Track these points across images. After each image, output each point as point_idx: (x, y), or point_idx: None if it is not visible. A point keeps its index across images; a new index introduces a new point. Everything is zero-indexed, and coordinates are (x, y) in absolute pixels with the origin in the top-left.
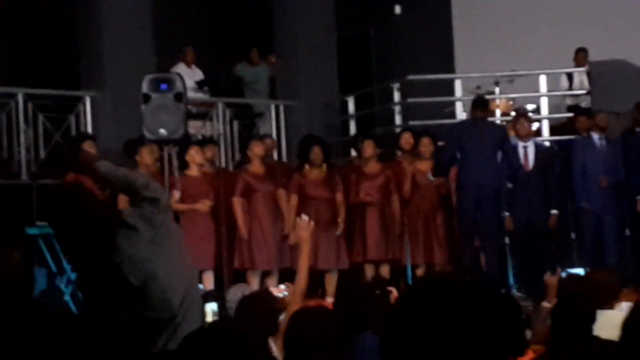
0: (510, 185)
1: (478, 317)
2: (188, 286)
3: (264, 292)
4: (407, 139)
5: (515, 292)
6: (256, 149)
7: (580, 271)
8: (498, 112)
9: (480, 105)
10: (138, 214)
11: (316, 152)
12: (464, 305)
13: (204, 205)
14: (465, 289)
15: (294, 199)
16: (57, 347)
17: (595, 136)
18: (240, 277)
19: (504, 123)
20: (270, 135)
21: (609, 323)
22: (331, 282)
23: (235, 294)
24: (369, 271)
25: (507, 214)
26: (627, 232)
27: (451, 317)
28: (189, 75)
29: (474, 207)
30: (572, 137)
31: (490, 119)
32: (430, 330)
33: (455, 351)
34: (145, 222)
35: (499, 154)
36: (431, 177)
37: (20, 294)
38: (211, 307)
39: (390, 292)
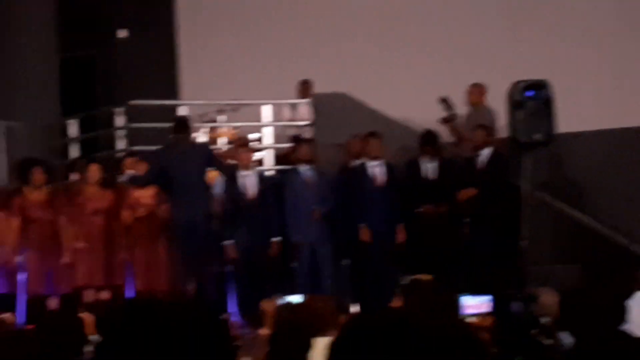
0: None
1: (194, 338)
2: None
3: None
4: (130, 164)
5: (236, 319)
6: None
7: (298, 298)
8: (223, 140)
9: (180, 126)
10: None
11: (37, 173)
12: (180, 325)
13: None
14: (179, 311)
15: (17, 221)
16: None
17: (303, 168)
18: None
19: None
20: None
21: (324, 351)
22: (53, 306)
23: None
24: (89, 296)
25: (230, 241)
26: (347, 261)
27: (168, 337)
28: None
29: (187, 233)
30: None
31: (213, 147)
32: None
33: None
34: None
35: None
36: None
37: None
38: None
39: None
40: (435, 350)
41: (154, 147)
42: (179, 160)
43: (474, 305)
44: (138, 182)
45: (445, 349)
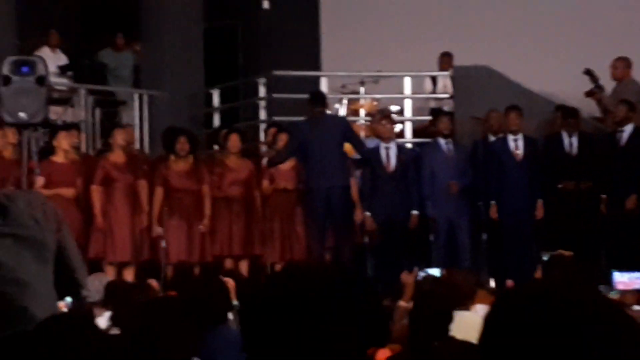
0: (358, 174)
1: (342, 304)
2: (18, 292)
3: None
4: (272, 135)
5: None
6: (119, 138)
7: (436, 272)
8: (362, 112)
9: (318, 100)
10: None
11: (182, 143)
12: (327, 292)
13: (68, 191)
14: (327, 277)
15: (160, 190)
16: None
17: (442, 141)
18: (95, 266)
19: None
20: (131, 125)
21: (464, 324)
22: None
23: (93, 283)
24: (229, 265)
25: (368, 213)
26: (484, 236)
27: (314, 304)
28: (53, 60)
29: (324, 208)
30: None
31: (353, 118)
32: (293, 319)
33: (319, 339)
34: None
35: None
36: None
37: None
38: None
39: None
40: (581, 325)
41: (294, 118)
42: (317, 133)
43: (625, 281)
44: (277, 160)
45: (590, 323)
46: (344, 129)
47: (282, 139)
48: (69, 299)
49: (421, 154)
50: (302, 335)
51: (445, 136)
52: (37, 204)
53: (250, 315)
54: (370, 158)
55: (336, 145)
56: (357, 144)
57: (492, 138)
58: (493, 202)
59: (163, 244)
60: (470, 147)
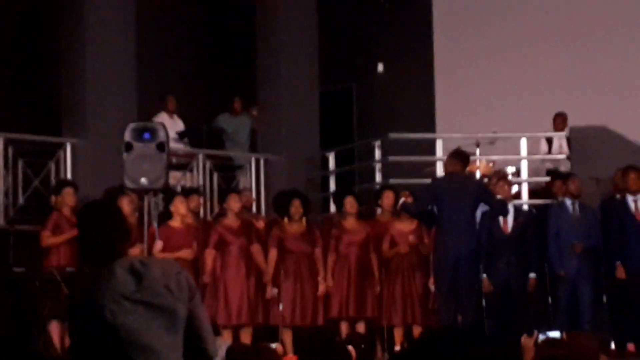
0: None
1: None
2: (159, 352)
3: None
4: (388, 197)
5: None
6: (233, 203)
7: (556, 334)
8: (478, 174)
9: (459, 158)
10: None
11: (296, 206)
12: (474, 356)
13: (187, 254)
14: (471, 340)
15: (274, 252)
16: None
17: (568, 202)
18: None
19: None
20: (249, 189)
21: None
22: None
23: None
24: (345, 328)
25: (484, 275)
26: (604, 298)
27: None
28: (170, 125)
29: (452, 267)
30: (550, 201)
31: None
32: None
33: None
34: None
35: (478, 213)
36: (410, 238)
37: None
38: None
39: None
40: None
41: (410, 181)
42: (452, 191)
43: None
44: (410, 209)
45: None
46: (480, 191)
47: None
48: None
49: (544, 214)
50: None
51: (572, 196)
52: (172, 273)
53: None
54: (505, 213)
55: (469, 205)
56: (497, 206)
57: (615, 197)
58: (618, 263)
59: (280, 306)
60: (596, 208)
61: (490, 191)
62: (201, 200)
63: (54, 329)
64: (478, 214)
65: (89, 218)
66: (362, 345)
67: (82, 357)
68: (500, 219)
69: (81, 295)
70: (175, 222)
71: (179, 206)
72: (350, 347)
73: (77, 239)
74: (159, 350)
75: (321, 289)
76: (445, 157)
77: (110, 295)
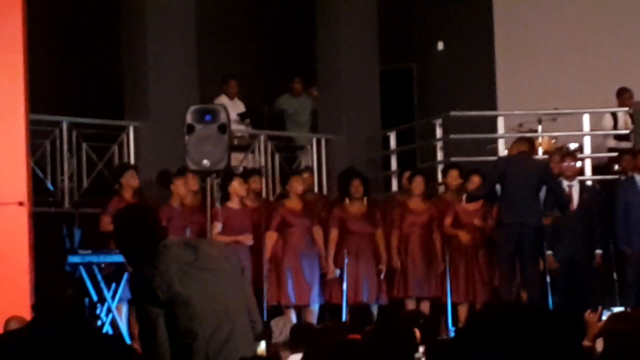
0: (557, 215)
1: (547, 345)
2: (226, 322)
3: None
4: (454, 176)
5: None
6: (295, 185)
7: (622, 311)
8: (540, 151)
9: (526, 140)
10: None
11: (356, 186)
12: (533, 332)
13: (246, 238)
14: (533, 315)
15: (335, 232)
16: None
17: (638, 177)
18: (276, 310)
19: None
20: (310, 169)
21: None
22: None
23: (277, 325)
24: (410, 306)
25: (549, 252)
26: None
27: (522, 344)
28: (231, 108)
29: (514, 244)
30: (614, 177)
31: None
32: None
33: None
34: (189, 248)
35: (542, 191)
36: (476, 222)
37: (74, 326)
38: (260, 345)
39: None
40: None
41: (472, 159)
42: (516, 171)
43: None
44: (476, 193)
45: None
46: (544, 171)
47: (475, 182)
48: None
49: (613, 190)
50: None
51: None
52: (221, 246)
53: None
54: (567, 206)
55: (533, 185)
56: (556, 189)
57: None
58: None
59: (344, 286)
60: None
61: (554, 175)
62: (263, 181)
63: (121, 310)
64: (543, 191)
65: (120, 224)
66: (426, 324)
67: (151, 333)
68: (569, 195)
69: (145, 270)
70: (233, 204)
71: (237, 187)
72: (414, 327)
73: (116, 245)
74: (229, 315)
75: (383, 269)
76: (506, 135)
77: (175, 266)
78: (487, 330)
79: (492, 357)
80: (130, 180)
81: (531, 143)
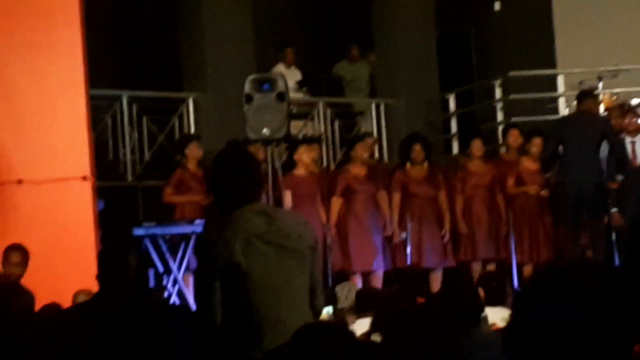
0: (619, 177)
1: (609, 301)
2: (285, 300)
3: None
4: (515, 136)
5: None
6: (360, 151)
7: None
8: (601, 108)
9: (583, 97)
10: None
11: (417, 150)
12: (598, 288)
13: (313, 208)
14: (598, 272)
15: (398, 197)
16: (179, 345)
17: None
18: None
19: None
20: (371, 134)
21: None
22: (436, 280)
23: (342, 291)
24: (477, 269)
25: (614, 209)
26: None
27: (586, 301)
28: (289, 76)
29: (575, 203)
30: None
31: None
32: (564, 315)
33: (591, 335)
34: (265, 217)
35: (603, 148)
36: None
37: (139, 297)
38: (326, 310)
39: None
40: None
41: (532, 118)
42: (576, 129)
43: None
44: (544, 159)
45: None
46: (605, 127)
47: (536, 144)
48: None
49: None
50: (573, 333)
51: None
52: (300, 221)
53: (522, 311)
54: (626, 162)
55: (594, 142)
56: (616, 145)
57: None
58: None
59: (408, 249)
60: None
61: (615, 133)
62: (323, 148)
63: (188, 281)
64: (605, 148)
65: (223, 164)
66: (494, 284)
67: (204, 295)
68: (629, 152)
69: (212, 234)
70: (300, 171)
71: (303, 155)
72: (480, 288)
73: (210, 187)
74: (288, 292)
75: (446, 233)
76: (567, 93)
77: (241, 235)
78: (549, 285)
79: (554, 312)
80: (194, 151)
81: (595, 98)
